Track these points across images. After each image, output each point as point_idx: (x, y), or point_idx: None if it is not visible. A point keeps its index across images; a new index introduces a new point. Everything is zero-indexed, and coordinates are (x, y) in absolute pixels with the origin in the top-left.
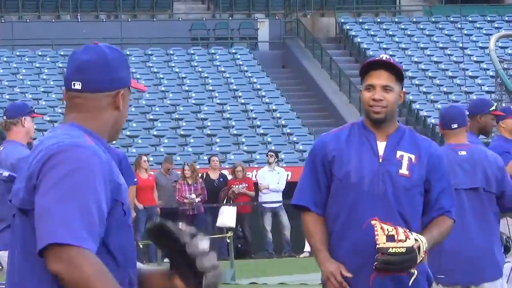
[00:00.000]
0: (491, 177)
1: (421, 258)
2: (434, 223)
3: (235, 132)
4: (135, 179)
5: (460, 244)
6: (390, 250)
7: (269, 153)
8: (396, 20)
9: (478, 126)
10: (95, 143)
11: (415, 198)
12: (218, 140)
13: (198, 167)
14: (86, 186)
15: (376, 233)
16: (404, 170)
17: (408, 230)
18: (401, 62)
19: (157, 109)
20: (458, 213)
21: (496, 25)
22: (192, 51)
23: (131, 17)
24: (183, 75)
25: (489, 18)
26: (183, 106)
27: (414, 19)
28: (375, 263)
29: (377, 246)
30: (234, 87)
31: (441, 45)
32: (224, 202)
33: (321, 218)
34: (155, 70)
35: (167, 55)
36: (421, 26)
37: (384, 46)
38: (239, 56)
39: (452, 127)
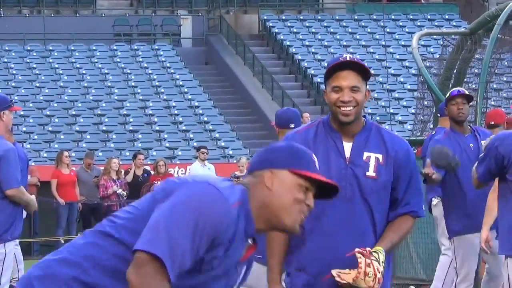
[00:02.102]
0: None
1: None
2: (397, 225)
3: (157, 128)
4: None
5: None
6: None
7: (202, 149)
8: (319, 17)
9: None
10: None
11: (384, 198)
12: (140, 136)
13: (120, 163)
14: None
15: (358, 273)
16: (371, 172)
17: (378, 264)
18: (324, 60)
19: (80, 104)
20: None
21: (418, 24)
22: (115, 47)
23: (54, 13)
24: (106, 71)
25: (411, 17)
26: (105, 102)
27: (337, 17)
28: (334, 276)
29: (353, 282)
30: (157, 84)
31: (363, 43)
32: None
33: None
34: (78, 65)
35: (90, 51)
36: (344, 24)
37: (307, 43)
38: (162, 53)
39: (290, 126)
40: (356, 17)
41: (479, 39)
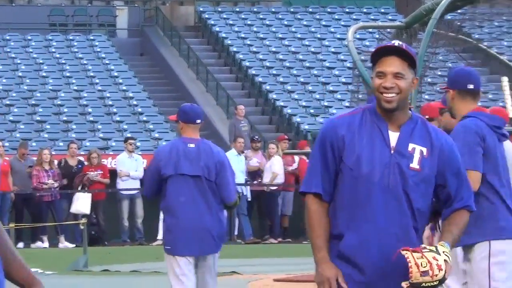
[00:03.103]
0: (211, 168)
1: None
2: (454, 219)
3: (91, 119)
4: None
5: (191, 221)
6: (424, 284)
7: (129, 140)
8: (255, 10)
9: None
10: None
11: (425, 192)
12: (74, 126)
13: (53, 153)
14: None
15: (410, 269)
16: (415, 164)
17: (437, 253)
18: (259, 52)
19: (14, 94)
20: (189, 194)
21: (354, 17)
22: (50, 37)
23: None
24: (41, 61)
25: (347, 10)
26: (39, 92)
27: (273, 9)
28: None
29: (411, 280)
30: (91, 74)
31: (299, 35)
32: (79, 188)
33: (327, 209)
34: (13, 55)
35: (25, 41)
36: (280, 17)
37: (243, 35)
38: (97, 43)
39: (197, 122)
40: (292, 10)
41: (415, 33)
